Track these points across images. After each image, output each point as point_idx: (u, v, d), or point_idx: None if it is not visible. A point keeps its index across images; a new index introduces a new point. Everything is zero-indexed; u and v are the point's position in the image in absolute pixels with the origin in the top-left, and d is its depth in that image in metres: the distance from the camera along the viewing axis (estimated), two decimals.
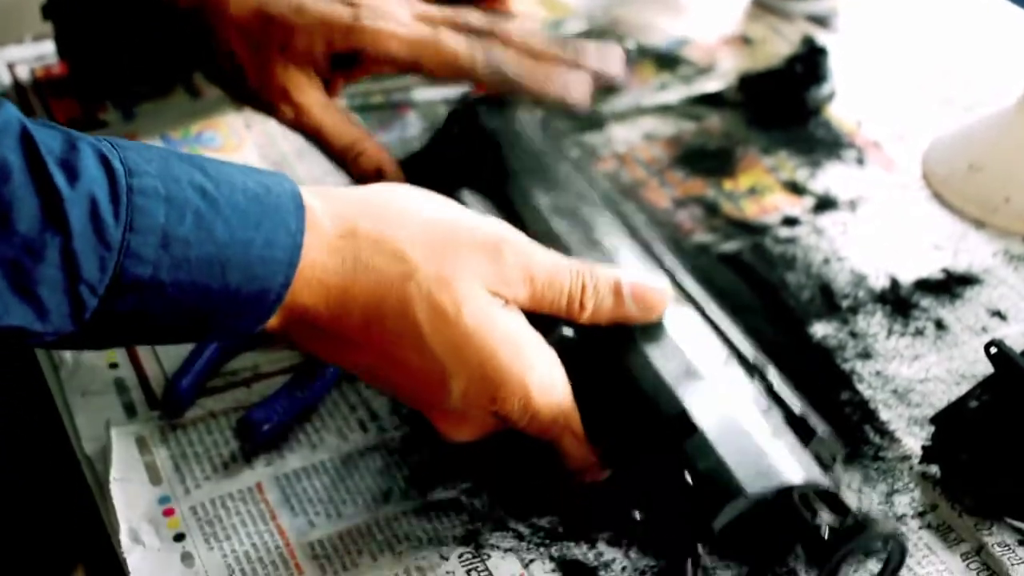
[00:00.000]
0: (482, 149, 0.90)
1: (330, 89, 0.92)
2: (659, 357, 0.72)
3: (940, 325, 0.88)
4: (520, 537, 0.74)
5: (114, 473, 0.79)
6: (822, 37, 1.13)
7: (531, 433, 0.72)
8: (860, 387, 0.83)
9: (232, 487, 0.78)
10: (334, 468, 0.79)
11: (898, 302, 0.90)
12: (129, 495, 0.77)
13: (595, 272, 0.73)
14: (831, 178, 1.02)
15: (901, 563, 0.69)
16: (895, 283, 0.91)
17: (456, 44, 0.90)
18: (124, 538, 0.75)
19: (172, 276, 0.62)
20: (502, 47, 0.91)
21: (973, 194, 0.98)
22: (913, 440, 0.79)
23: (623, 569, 0.73)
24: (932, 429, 0.78)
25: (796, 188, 1.01)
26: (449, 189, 0.86)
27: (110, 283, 0.60)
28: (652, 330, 0.74)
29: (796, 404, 0.72)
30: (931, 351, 0.86)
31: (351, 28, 0.89)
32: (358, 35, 0.89)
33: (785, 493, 0.66)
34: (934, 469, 0.77)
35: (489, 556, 0.74)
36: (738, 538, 0.67)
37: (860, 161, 1.04)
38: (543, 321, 0.72)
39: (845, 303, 0.90)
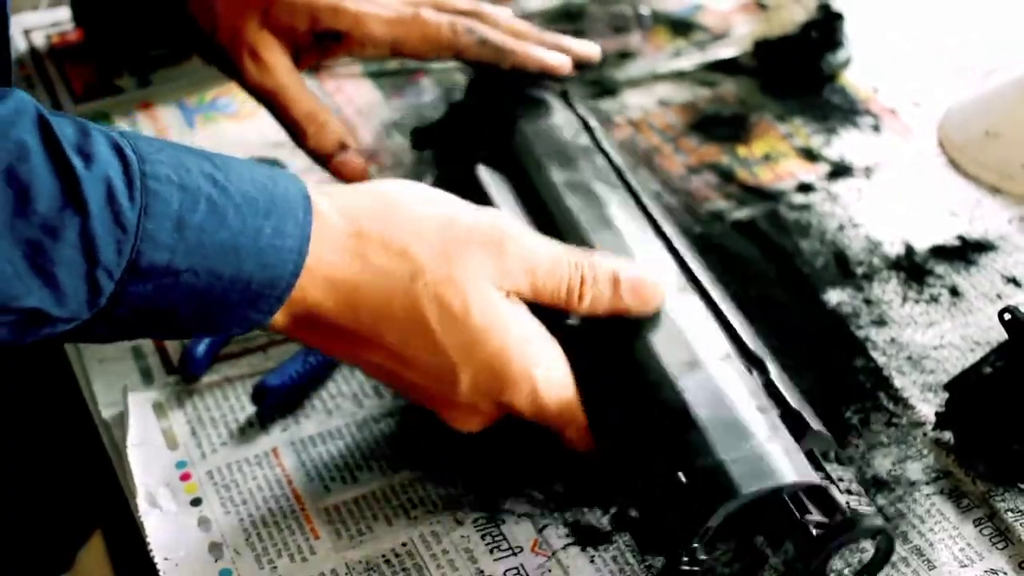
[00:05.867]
0: (498, 120, 0.89)
1: (300, 63, 0.92)
2: (662, 348, 0.72)
3: (955, 292, 0.88)
4: (535, 502, 0.75)
5: (131, 438, 0.79)
6: (838, 2, 1.12)
7: (537, 422, 0.72)
8: (874, 354, 0.83)
9: (248, 452, 0.79)
10: (349, 433, 0.80)
11: (913, 269, 0.90)
12: (146, 460, 0.78)
13: (594, 263, 0.73)
14: (846, 145, 1.02)
15: (887, 558, 0.69)
16: (910, 250, 0.91)
17: (438, 19, 0.90)
18: (141, 502, 0.76)
19: (187, 262, 0.62)
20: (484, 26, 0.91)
21: (989, 161, 0.98)
22: (927, 406, 0.79)
23: None
24: (946, 395, 0.78)
25: (811, 155, 1.01)
26: (463, 162, 0.86)
27: (126, 267, 0.61)
28: (656, 320, 0.74)
29: (793, 398, 0.72)
30: (945, 318, 0.86)
31: (335, 9, 0.89)
32: (342, 17, 0.89)
33: (777, 491, 0.66)
34: (947, 435, 0.77)
35: (504, 521, 0.74)
36: (731, 531, 0.68)
37: (876, 128, 1.04)
38: (543, 311, 0.72)
39: (860, 270, 0.90)
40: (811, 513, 0.66)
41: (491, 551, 0.73)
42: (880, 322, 0.86)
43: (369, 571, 0.72)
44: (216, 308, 0.65)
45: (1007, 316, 0.75)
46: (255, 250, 0.64)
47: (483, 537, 0.73)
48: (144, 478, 0.77)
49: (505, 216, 0.74)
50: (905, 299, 0.87)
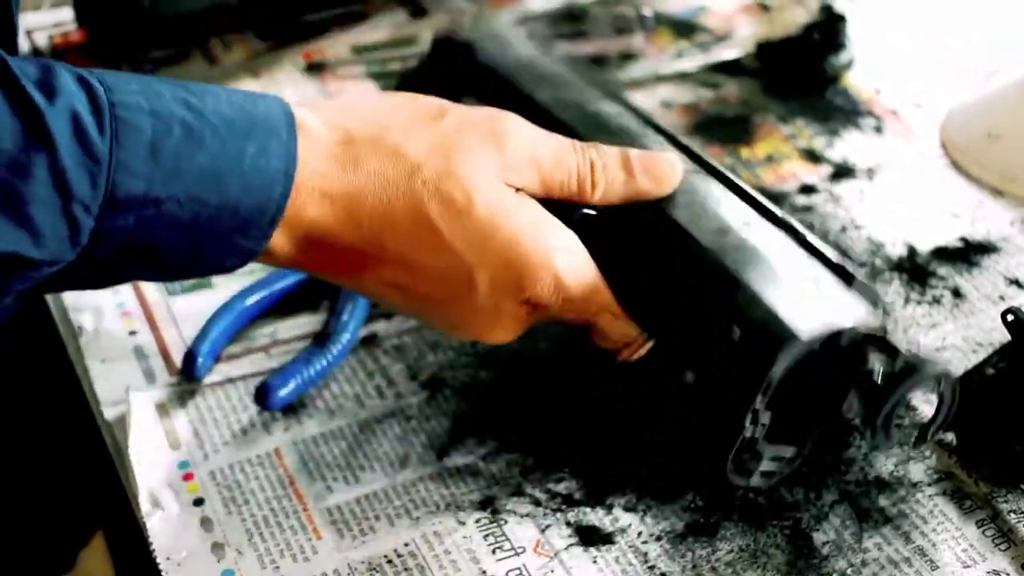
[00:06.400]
0: (478, 74, 0.86)
1: None
2: (688, 220, 0.70)
3: (957, 293, 0.88)
4: (537, 503, 0.75)
5: (133, 439, 0.79)
6: (841, 4, 1.12)
7: (567, 318, 0.70)
8: None
9: (251, 452, 0.79)
10: (352, 434, 0.80)
11: (915, 270, 0.90)
12: (148, 460, 0.78)
13: (601, 149, 0.70)
14: (849, 146, 1.02)
15: (954, 403, 0.68)
16: (912, 251, 0.91)
17: None
18: (144, 503, 0.75)
19: (167, 191, 0.60)
20: None
21: (991, 162, 0.98)
22: (929, 408, 0.79)
23: (639, 534, 0.73)
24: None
25: (813, 156, 1.01)
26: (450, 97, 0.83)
27: (104, 201, 0.59)
28: (674, 197, 0.71)
29: (831, 252, 0.70)
30: (948, 319, 0.86)
31: None
32: None
33: (836, 337, 0.65)
34: (950, 437, 0.77)
35: (506, 521, 0.74)
36: (791, 396, 0.66)
37: (878, 129, 1.04)
38: (557, 207, 0.69)
39: (862, 271, 0.90)
40: (873, 360, 0.65)
41: (493, 552, 0.72)
42: None
43: (371, 571, 0.72)
44: (204, 239, 0.62)
45: (1010, 317, 0.75)
46: (238, 173, 0.62)
47: (485, 538, 0.73)
48: (146, 479, 0.77)
49: (502, 111, 0.70)
50: (907, 300, 0.87)
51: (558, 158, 0.69)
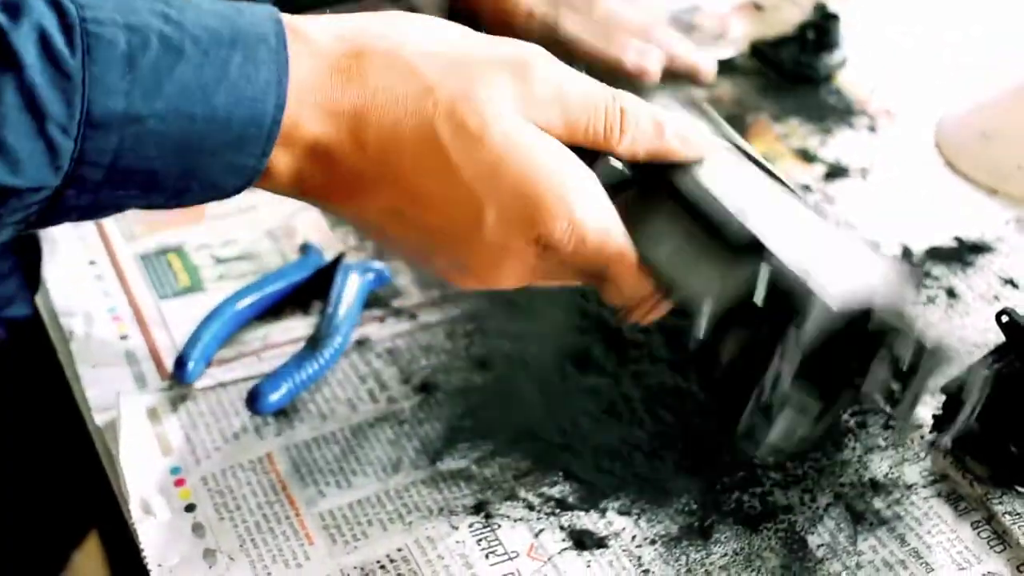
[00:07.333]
0: None
1: None
2: (716, 186, 0.67)
3: (952, 293, 0.88)
4: (530, 507, 0.74)
5: (124, 444, 0.79)
6: (834, 3, 1.12)
7: (578, 265, 0.67)
8: None
9: (242, 457, 0.78)
10: (344, 438, 0.79)
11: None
12: (139, 466, 0.78)
13: (635, 99, 0.67)
14: (842, 146, 1.02)
15: (980, 399, 0.68)
16: (907, 251, 0.91)
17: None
18: (135, 509, 0.75)
19: (148, 106, 0.58)
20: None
21: (986, 162, 0.98)
22: (924, 409, 0.79)
23: (633, 538, 0.73)
24: (943, 398, 0.77)
25: (807, 156, 1.01)
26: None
27: (81, 120, 0.57)
28: (704, 165, 0.69)
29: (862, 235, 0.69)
30: (942, 320, 0.86)
31: None
32: None
33: (867, 313, 0.63)
34: (945, 439, 0.77)
35: (499, 526, 0.74)
36: (814, 364, 0.64)
37: (872, 129, 1.03)
38: (580, 155, 0.66)
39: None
40: (899, 344, 0.63)
41: (487, 556, 0.72)
42: None
43: None
44: (196, 156, 0.60)
45: (1004, 318, 0.75)
46: (226, 84, 0.59)
47: (479, 542, 0.73)
48: (137, 485, 0.76)
49: (529, 44, 0.66)
50: None
51: (587, 99, 0.66)
